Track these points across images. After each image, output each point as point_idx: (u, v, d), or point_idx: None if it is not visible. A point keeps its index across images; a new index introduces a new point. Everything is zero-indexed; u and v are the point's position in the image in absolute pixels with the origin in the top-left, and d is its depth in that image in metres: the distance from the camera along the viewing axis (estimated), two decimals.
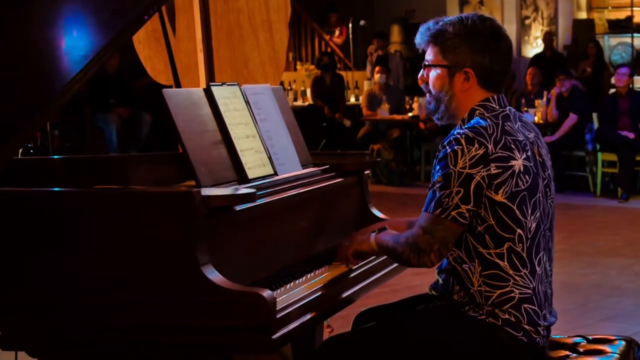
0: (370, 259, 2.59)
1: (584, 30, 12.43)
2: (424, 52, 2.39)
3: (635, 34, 11.45)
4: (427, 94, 2.40)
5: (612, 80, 9.38)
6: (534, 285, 2.28)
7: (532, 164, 2.29)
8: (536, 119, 9.23)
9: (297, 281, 2.30)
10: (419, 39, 2.38)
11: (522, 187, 2.25)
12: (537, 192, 2.29)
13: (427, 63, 2.37)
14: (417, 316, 2.40)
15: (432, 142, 10.17)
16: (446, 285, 2.35)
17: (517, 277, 2.26)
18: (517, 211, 2.24)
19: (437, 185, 2.23)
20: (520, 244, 2.26)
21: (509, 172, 2.23)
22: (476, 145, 2.21)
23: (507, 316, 2.25)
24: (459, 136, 2.23)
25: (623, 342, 2.48)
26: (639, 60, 11.84)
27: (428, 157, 10.32)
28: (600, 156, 8.89)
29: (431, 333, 2.29)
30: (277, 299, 2.06)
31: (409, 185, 10.05)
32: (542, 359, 2.34)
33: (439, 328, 2.30)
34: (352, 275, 2.49)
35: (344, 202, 2.86)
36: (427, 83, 2.38)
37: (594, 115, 8.94)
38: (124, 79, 9.64)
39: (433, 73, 2.36)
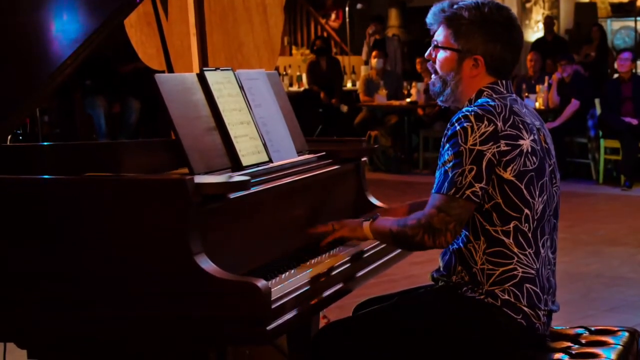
0: (367, 248, 2.54)
1: (586, 13, 12.36)
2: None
3: (638, 18, 11.36)
4: (433, 74, 2.38)
5: (615, 65, 9.29)
6: (538, 266, 2.27)
7: (539, 148, 2.29)
8: (537, 104, 9.17)
9: (292, 271, 2.26)
10: (431, 18, 2.36)
11: (530, 168, 2.24)
12: (544, 175, 2.29)
13: (437, 44, 2.35)
14: (415, 300, 2.39)
15: (430, 128, 10.13)
16: (448, 267, 2.33)
17: (521, 256, 2.25)
18: (525, 191, 2.23)
19: (448, 165, 2.21)
20: (527, 224, 2.25)
21: (518, 150, 2.22)
22: (485, 122, 2.21)
23: (506, 296, 2.23)
24: (468, 113, 2.22)
25: (626, 333, 2.46)
26: None
27: (426, 143, 10.28)
28: (602, 143, 8.84)
29: (428, 316, 2.28)
30: (272, 289, 2.02)
31: (407, 172, 10.02)
32: (543, 350, 2.31)
33: (436, 311, 2.28)
34: (349, 264, 2.45)
35: (341, 189, 2.83)
36: (433, 62, 2.36)
37: (597, 101, 8.88)
38: (106, 62, 9.22)
39: (442, 54, 2.35)
